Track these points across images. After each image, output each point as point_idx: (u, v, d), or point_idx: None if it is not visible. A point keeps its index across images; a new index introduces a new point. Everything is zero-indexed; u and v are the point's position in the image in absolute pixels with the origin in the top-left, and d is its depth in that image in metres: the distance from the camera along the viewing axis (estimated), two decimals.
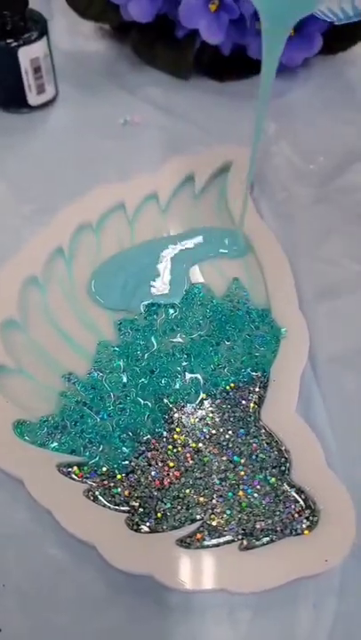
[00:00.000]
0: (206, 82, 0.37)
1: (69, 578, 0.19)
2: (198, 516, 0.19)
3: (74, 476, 0.20)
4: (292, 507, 0.19)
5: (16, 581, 0.19)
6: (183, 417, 0.21)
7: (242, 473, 0.20)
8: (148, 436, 0.21)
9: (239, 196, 0.29)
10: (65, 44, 0.39)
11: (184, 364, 0.23)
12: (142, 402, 0.22)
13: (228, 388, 0.22)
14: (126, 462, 0.20)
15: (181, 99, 0.36)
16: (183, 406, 0.22)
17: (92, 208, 0.28)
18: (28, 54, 0.31)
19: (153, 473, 0.20)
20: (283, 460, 0.20)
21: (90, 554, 0.19)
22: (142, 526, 0.19)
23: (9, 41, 0.30)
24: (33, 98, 0.33)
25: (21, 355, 0.23)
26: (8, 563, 0.19)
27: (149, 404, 0.22)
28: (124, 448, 0.21)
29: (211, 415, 0.21)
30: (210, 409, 0.22)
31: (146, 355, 0.23)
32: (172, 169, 0.30)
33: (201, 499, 0.20)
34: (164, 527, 0.19)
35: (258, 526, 0.19)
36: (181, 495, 0.20)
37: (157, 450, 0.21)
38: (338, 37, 0.36)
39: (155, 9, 0.33)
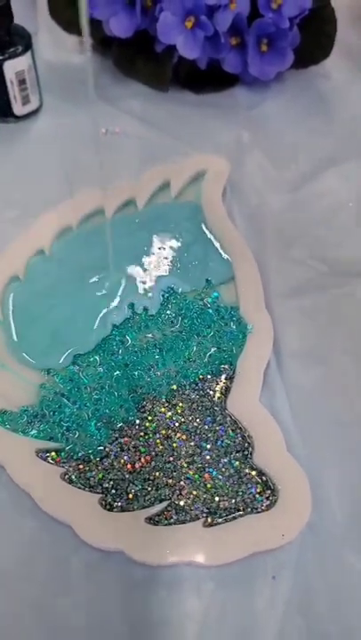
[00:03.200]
0: (184, 94, 0.39)
1: (46, 555, 0.20)
2: (167, 497, 0.21)
3: (51, 460, 0.21)
4: (254, 488, 0.21)
5: None
6: (155, 406, 0.23)
7: (208, 457, 0.22)
8: (122, 424, 0.22)
9: (213, 201, 0.31)
10: (50, 56, 0.40)
11: (157, 357, 0.24)
12: (116, 393, 0.23)
13: (197, 379, 0.24)
14: (101, 448, 0.22)
15: (160, 110, 0.37)
16: (155, 396, 0.23)
17: (73, 212, 0.29)
18: (13, 67, 0.32)
19: (125, 457, 0.22)
20: (246, 445, 0.22)
21: (65, 533, 0.20)
22: (114, 506, 0.20)
23: None
24: (18, 108, 0.34)
25: (3, 350, 0.24)
26: None
27: (123, 394, 0.23)
28: (98, 435, 0.22)
29: (180, 404, 0.23)
30: (179, 399, 0.23)
31: (120, 349, 0.25)
32: (149, 176, 0.31)
33: (169, 481, 0.21)
34: (135, 507, 0.20)
35: (221, 505, 0.21)
36: (151, 478, 0.21)
37: (130, 436, 0.22)
38: (309, 51, 0.38)
39: (134, 25, 0.35)
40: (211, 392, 0.24)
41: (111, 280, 0.27)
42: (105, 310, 0.26)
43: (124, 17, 0.35)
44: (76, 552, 0.20)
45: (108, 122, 0.36)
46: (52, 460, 0.21)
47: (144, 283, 0.27)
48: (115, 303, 0.26)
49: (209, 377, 0.24)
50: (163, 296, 0.26)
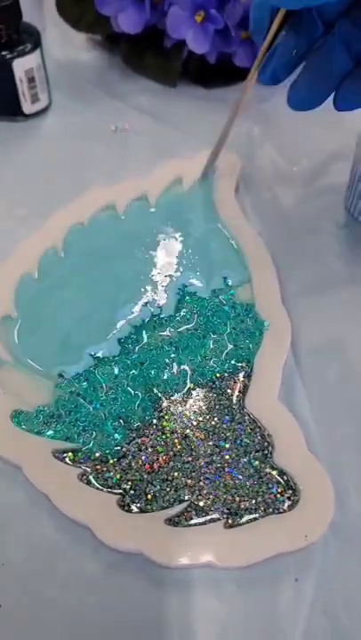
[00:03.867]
0: (193, 89, 0.38)
1: (65, 557, 0.20)
2: (186, 497, 0.20)
3: (68, 461, 0.21)
4: (275, 487, 0.21)
5: (15, 561, 0.20)
6: (172, 405, 0.23)
7: (227, 457, 0.21)
8: (139, 424, 0.22)
9: (226, 197, 0.30)
10: (58, 54, 0.40)
11: (172, 355, 0.24)
12: (133, 392, 0.23)
13: (214, 377, 0.23)
14: (118, 448, 0.21)
15: (169, 105, 0.37)
16: (171, 395, 0.23)
17: (84, 209, 0.29)
18: (22, 65, 0.32)
19: (143, 458, 0.21)
20: (266, 444, 0.22)
21: (84, 534, 0.20)
22: (133, 507, 0.20)
23: (4, 53, 0.32)
24: (27, 106, 0.34)
25: (18, 349, 0.24)
26: (7, 543, 0.20)
27: (140, 393, 0.23)
28: (115, 435, 0.22)
29: (198, 403, 0.23)
30: (197, 397, 0.23)
31: (136, 348, 0.24)
32: (161, 172, 0.31)
33: (189, 481, 0.21)
34: (154, 508, 0.20)
35: (242, 506, 0.20)
36: (170, 478, 0.21)
37: (147, 436, 0.22)
38: None
39: (143, 20, 0.35)
40: (228, 390, 0.23)
41: (125, 279, 0.26)
42: (120, 310, 0.25)
43: (133, 12, 0.35)
44: (95, 553, 0.20)
45: (118, 118, 0.36)
46: (70, 460, 0.21)
47: (159, 281, 0.26)
48: (130, 302, 0.25)
49: (226, 375, 0.23)
50: (178, 294, 0.26)
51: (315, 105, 0.24)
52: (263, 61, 0.24)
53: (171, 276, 0.27)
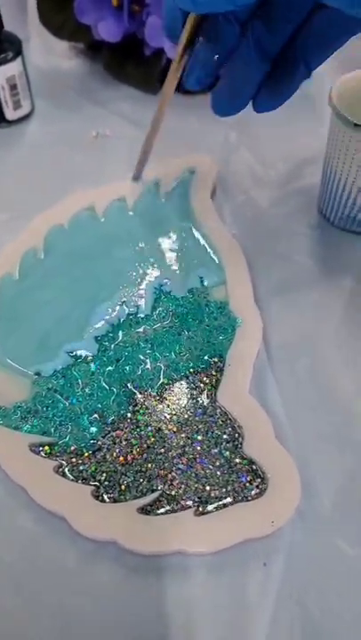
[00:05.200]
0: (173, 96, 0.39)
1: (43, 548, 0.21)
2: (158, 487, 0.21)
3: (44, 454, 0.22)
4: (244, 477, 0.21)
5: None
6: (146, 400, 0.23)
7: (199, 448, 0.22)
8: (114, 418, 0.23)
9: (202, 200, 0.31)
10: (40, 61, 0.41)
11: (148, 352, 0.25)
12: (108, 387, 0.24)
13: (187, 373, 0.24)
14: (93, 441, 0.22)
15: (149, 112, 0.38)
16: (146, 390, 0.24)
17: (64, 211, 0.30)
18: (4, 73, 0.33)
19: (117, 450, 0.22)
20: (236, 435, 0.22)
21: (61, 525, 0.21)
22: (106, 497, 0.21)
23: None
24: (10, 113, 0.35)
25: None
26: None
27: (115, 389, 0.24)
28: (91, 429, 0.22)
29: (171, 398, 0.24)
30: (170, 392, 0.24)
31: (113, 345, 0.25)
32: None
33: (161, 472, 0.22)
34: (127, 497, 0.21)
35: (212, 494, 0.21)
36: (143, 469, 0.22)
37: (122, 430, 0.23)
38: None
39: (122, 29, 0.36)
40: (201, 385, 0.24)
41: (104, 279, 0.27)
42: (98, 309, 0.26)
43: (113, 22, 0.36)
44: (72, 543, 0.21)
45: (99, 125, 0.37)
46: (46, 454, 0.22)
47: (136, 281, 0.27)
48: (108, 302, 0.26)
49: (199, 370, 0.24)
50: (155, 293, 0.27)
51: (239, 109, 0.24)
52: (186, 66, 0.24)
53: (148, 276, 0.28)
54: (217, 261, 0.28)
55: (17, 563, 0.20)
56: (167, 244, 0.29)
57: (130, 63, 0.39)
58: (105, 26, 0.36)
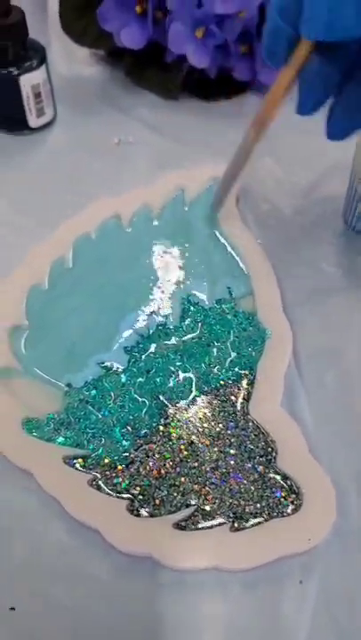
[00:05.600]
0: (194, 102, 0.39)
1: (76, 560, 0.21)
2: (193, 502, 0.21)
3: (78, 467, 0.22)
4: (279, 492, 0.21)
5: (28, 564, 0.21)
6: (178, 412, 0.23)
7: (232, 462, 0.22)
8: (146, 431, 0.23)
9: (227, 208, 0.31)
10: (62, 68, 0.41)
11: (178, 364, 0.25)
12: (140, 399, 0.24)
13: (218, 385, 0.24)
14: (126, 454, 0.22)
15: (171, 118, 0.38)
16: (177, 403, 0.24)
17: (90, 220, 0.30)
18: (29, 81, 0.33)
19: (151, 464, 0.22)
20: (269, 449, 0.22)
21: (94, 538, 0.21)
22: (142, 511, 0.21)
23: (11, 69, 0.33)
24: (33, 120, 0.35)
25: (26, 358, 0.25)
26: (21, 547, 0.21)
27: (146, 401, 0.24)
28: (124, 442, 0.22)
29: (203, 410, 0.23)
30: (202, 404, 0.24)
31: (143, 356, 0.25)
32: (164, 183, 0.32)
33: (195, 486, 0.21)
34: (162, 512, 0.21)
35: (247, 510, 0.21)
36: (177, 483, 0.21)
37: (154, 443, 0.22)
38: None
39: (145, 36, 0.36)
40: (232, 397, 0.24)
41: (131, 288, 0.27)
42: (126, 318, 0.26)
43: (135, 29, 0.36)
44: (106, 556, 0.21)
45: (121, 131, 0.37)
46: (80, 466, 0.22)
47: (164, 290, 0.27)
48: (136, 311, 0.26)
49: (230, 382, 0.24)
50: (182, 304, 0.27)
51: (356, 131, 0.23)
52: (297, 92, 0.23)
53: (175, 285, 0.27)
54: (244, 271, 0.28)
55: (49, 573, 0.20)
56: (193, 252, 0.29)
57: (151, 69, 0.38)
58: (128, 33, 0.36)
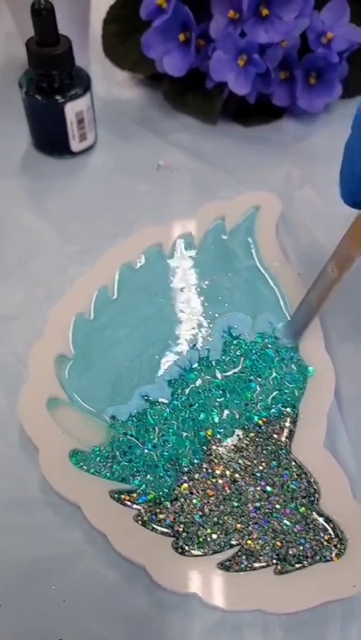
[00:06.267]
0: (232, 126, 0.39)
1: (120, 595, 0.21)
2: (236, 542, 0.21)
3: (124, 502, 0.22)
4: (322, 535, 0.21)
5: (73, 598, 0.21)
6: (220, 449, 0.24)
7: (275, 502, 0.22)
8: (189, 467, 0.23)
9: (267, 239, 0.31)
10: (101, 90, 0.42)
11: (220, 399, 0.25)
12: (183, 434, 0.24)
13: (260, 422, 0.24)
14: (170, 490, 0.22)
15: (209, 143, 0.38)
16: (220, 439, 0.24)
17: (134, 248, 0.30)
18: (73, 109, 0.34)
19: (194, 501, 0.22)
20: (312, 490, 0.22)
21: (138, 574, 0.21)
22: (186, 549, 0.21)
23: (57, 97, 0.33)
24: (75, 145, 0.36)
25: (70, 388, 0.25)
26: (66, 580, 0.21)
27: (189, 436, 0.24)
28: (167, 478, 0.23)
29: (245, 448, 0.24)
30: (244, 442, 0.24)
31: (186, 390, 0.25)
32: (205, 213, 0.32)
33: (238, 525, 0.22)
34: (206, 551, 0.21)
35: (291, 552, 0.21)
36: (220, 522, 0.22)
37: (198, 479, 0.23)
38: (357, 81, 0.38)
39: (187, 64, 0.36)
40: (275, 435, 0.24)
41: (173, 319, 0.27)
42: (169, 350, 0.26)
43: (178, 56, 0.36)
44: (149, 593, 0.21)
45: (160, 155, 0.37)
46: (125, 501, 0.22)
47: (205, 322, 0.27)
48: (178, 343, 0.27)
49: (272, 420, 0.24)
50: (223, 337, 0.27)
51: None
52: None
53: (217, 317, 0.28)
54: (285, 304, 0.28)
55: (95, 609, 0.21)
56: (234, 283, 0.29)
57: (190, 94, 0.39)
58: (170, 60, 0.36)
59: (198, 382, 0.25)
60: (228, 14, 0.35)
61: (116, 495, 0.22)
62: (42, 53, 0.32)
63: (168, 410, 0.25)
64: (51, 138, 0.36)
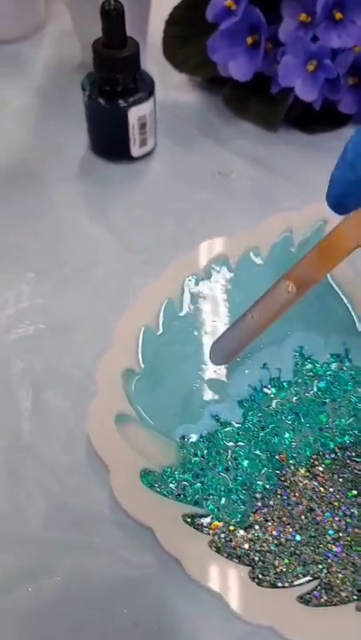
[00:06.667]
0: (294, 133, 0.38)
1: (193, 624, 0.20)
2: (315, 574, 0.20)
3: (199, 526, 0.21)
4: None
5: (145, 623, 0.21)
6: (295, 475, 0.23)
7: (354, 533, 0.21)
8: (263, 493, 0.22)
9: None
10: (158, 94, 0.41)
11: (293, 422, 0.24)
12: (256, 458, 0.23)
13: (336, 449, 0.23)
14: (245, 517, 0.22)
15: (270, 150, 0.37)
16: (294, 464, 0.23)
17: (198, 260, 0.30)
18: (136, 113, 0.33)
19: (269, 529, 0.21)
20: None
21: (212, 601, 0.21)
22: (263, 580, 0.20)
23: (120, 102, 0.33)
24: (136, 150, 0.35)
25: (139, 405, 0.25)
26: (138, 605, 0.21)
27: (263, 460, 0.23)
28: (241, 503, 0.22)
29: (321, 475, 0.23)
30: (320, 468, 0.23)
31: (257, 412, 0.24)
32: (271, 224, 0.31)
33: (316, 557, 0.21)
34: (283, 583, 0.20)
35: None
36: (298, 552, 0.21)
37: (273, 507, 0.22)
38: None
39: (253, 68, 0.35)
40: (351, 462, 0.23)
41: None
42: (239, 369, 0.26)
43: (244, 60, 0.35)
44: (224, 622, 0.20)
45: (220, 162, 0.36)
46: (200, 526, 0.22)
47: (275, 340, 0.27)
48: (248, 362, 0.26)
49: (349, 446, 0.23)
50: (295, 356, 0.26)
51: None
52: None
53: (286, 335, 0.27)
54: (356, 321, 0.27)
55: (167, 636, 0.20)
56: (305, 299, 0.28)
57: (253, 99, 0.38)
58: (236, 64, 0.35)
59: (270, 404, 0.25)
60: (299, 17, 0.33)
61: (190, 519, 0.22)
62: (108, 55, 0.31)
63: (240, 432, 0.24)
64: (111, 142, 0.35)
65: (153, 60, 0.42)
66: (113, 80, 0.32)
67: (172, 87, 0.41)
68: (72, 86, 0.42)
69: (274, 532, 0.21)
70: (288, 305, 0.22)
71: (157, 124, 0.37)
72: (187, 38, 0.38)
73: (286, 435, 0.24)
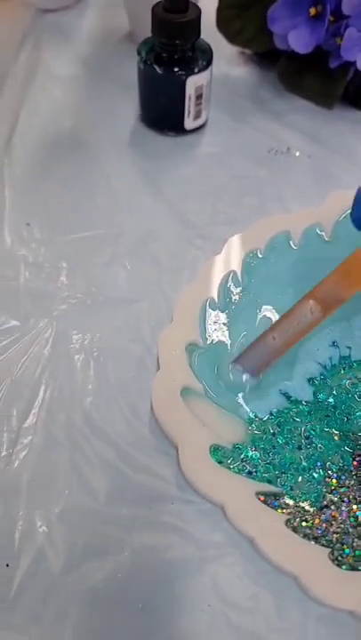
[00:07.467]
0: (349, 110, 0.37)
1: (266, 604, 0.20)
2: None
3: (273, 505, 0.21)
4: None
5: (218, 603, 0.20)
6: None
7: None
8: (338, 472, 0.21)
9: None
10: None
11: None
12: (329, 437, 0.22)
13: None
14: (321, 496, 0.21)
15: (326, 127, 0.36)
16: None
17: (260, 236, 0.29)
18: (194, 83, 0.32)
19: (346, 510, 0.21)
20: None
21: (285, 582, 0.20)
22: (343, 562, 0.20)
23: (176, 69, 0.32)
24: (189, 123, 0.34)
25: (205, 379, 0.24)
26: (208, 584, 0.20)
27: (336, 439, 0.22)
28: (316, 483, 0.21)
29: None
30: None
31: (327, 390, 0.23)
32: (333, 201, 0.30)
33: None
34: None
35: None
36: None
37: (348, 486, 0.21)
38: None
39: (315, 40, 0.34)
40: None
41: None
42: (305, 346, 0.25)
43: (306, 32, 0.34)
44: (301, 604, 0.20)
45: (273, 137, 0.35)
46: (275, 504, 0.21)
47: (343, 317, 0.26)
48: (316, 339, 0.25)
49: None
50: None
51: None
52: None
53: (355, 312, 0.26)
54: None
55: (241, 615, 0.20)
56: None
57: (309, 75, 0.36)
58: (297, 35, 0.34)
59: (342, 382, 0.24)
60: None
61: (264, 497, 0.21)
62: (168, 20, 0.30)
63: (311, 410, 0.23)
64: (164, 112, 0.34)
65: (203, 33, 0.41)
66: (171, 46, 0.31)
67: (222, 60, 0.40)
68: (119, 56, 0.40)
69: (353, 513, 0.20)
70: (312, 326, 0.22)
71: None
72: (242, 8, 0.37)
73: (358, 414, 0.23)
